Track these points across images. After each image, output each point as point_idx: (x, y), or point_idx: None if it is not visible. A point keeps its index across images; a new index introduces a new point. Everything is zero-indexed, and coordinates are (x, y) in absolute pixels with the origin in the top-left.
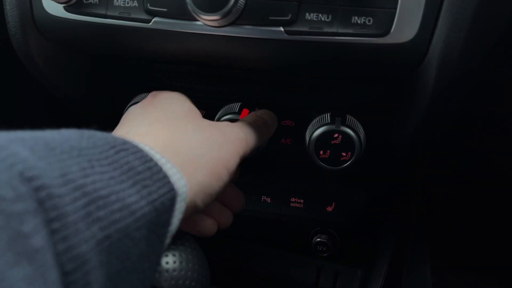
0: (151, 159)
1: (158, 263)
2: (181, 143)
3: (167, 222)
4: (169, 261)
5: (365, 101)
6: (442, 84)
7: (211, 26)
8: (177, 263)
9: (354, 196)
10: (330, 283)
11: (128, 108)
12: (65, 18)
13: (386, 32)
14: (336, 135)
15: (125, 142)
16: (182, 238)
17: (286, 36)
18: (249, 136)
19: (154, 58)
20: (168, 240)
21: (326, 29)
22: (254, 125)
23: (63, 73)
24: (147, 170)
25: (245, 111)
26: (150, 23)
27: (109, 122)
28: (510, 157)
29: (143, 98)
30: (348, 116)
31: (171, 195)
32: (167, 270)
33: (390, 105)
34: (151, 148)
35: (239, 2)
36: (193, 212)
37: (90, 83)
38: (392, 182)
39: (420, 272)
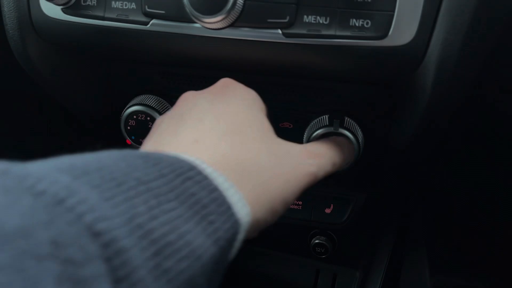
0: (216, 188)
1: None
2: (251, 167)
3: (228, 257)
4: None
5: (363, 103)
6: (440, 86)
7: (209, 28)
8: None
9: (353, 198)
10: (329, 285)
11: (126, 109)
12: (63, 20)
13: (384, 34)
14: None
15: (191, 168)
16: None
17: (284, 39)
18: (320, 171)
19: (152, 60)
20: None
21: (324, 32)
22: (330, 155)
23: (61, 75)
24: (212, 203)
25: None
26: (148, 25)
27: (107, 123)
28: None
29: (142, 100)
30: (346, 118)
31: (235, 229)
32: None
33: (388, 107)
34: (215, 169)
35: (237, 4)
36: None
37: (88, 84)
38: (390, 184)
39: (419, 273)
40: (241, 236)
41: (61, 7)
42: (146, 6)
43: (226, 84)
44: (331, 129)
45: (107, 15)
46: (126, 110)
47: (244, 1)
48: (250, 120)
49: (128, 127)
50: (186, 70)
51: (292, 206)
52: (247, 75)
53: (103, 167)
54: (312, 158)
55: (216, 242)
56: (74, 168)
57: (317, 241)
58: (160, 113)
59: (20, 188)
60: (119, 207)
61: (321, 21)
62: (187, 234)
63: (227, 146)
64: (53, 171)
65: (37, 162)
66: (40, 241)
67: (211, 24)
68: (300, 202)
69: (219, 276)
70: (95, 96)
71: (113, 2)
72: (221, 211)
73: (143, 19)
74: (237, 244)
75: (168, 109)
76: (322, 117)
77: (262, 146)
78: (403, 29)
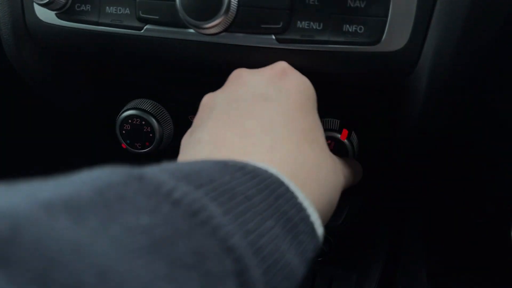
0: (302, 208)
1: None
2: (322, 181)
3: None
4: None
5: (357, 108)
6: (434, 92)
7: (203, 33)
8: None
9: (349, 201)
10: (325, 287)
11: (121, 114)
12: (57, 25)
13: (378, 40)
14: (328, 141)
15: (281, 184)
16: None
17: (277, 44)
18: (347, 181)
19: (147, 65)
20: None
21: (318, 37)
22: (352, 169)
23: (55, 80)
24: (301, 222)
25: (345, 131)
26: (142, 31)
27: (103, 128)
28: (506, 160)
29: (137, 104)
30: (340, 122)
31: (316, 248)
32: None
33: (382, 111)
34: (296, 185)
35: (231, 10)
36: None
37: (83, 89)
38: (387, 186)
39: (416, 276)
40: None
41: (56, 12)
42: (140, 12)
43: (285, 71)
44: (336, 135)
45: (101, 20)
46: (121, 114)
47: (237, 7)
48: (317, 123)
49: (123, 131)
50: (181, 74)
51: None
52: None
53: (214, 179)
54: (342, 169)
55: (305, 261)
56: (191, 179)
57: None
58: (156, 118)
59: (158, 195)
60: (239, 223)
61: (314, 27)
62: (286, 253)
63: (303, 156)
64: (172, 179)
65: (149, 168)
66: (184, 251)
67: (205, 30)
68: None
69: None
70: (90, 100)
71: (107, 8)
72: (308, 230)
73: (137, 24)
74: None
75: (164, 113)
76: (332, 120)
77: (327, 158)
78: (396, 35)
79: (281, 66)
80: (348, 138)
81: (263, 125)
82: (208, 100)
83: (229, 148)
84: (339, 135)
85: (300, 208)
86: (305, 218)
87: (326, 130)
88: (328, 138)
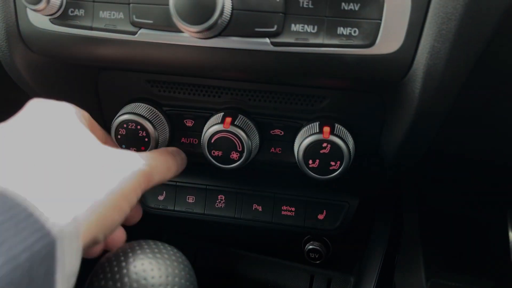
0: (15, 205)
1: None
2: (70, 176)
3: (51, 269)
4: (155, 275)
5: (353, 110)
6: (428, 94)
7: (197, 38)
8: (163, 277)
9: (345, 204)
10: None
11: (117, 118)
12: (50, 30)
13: (372, 43)
14: (324, 144)
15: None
16: (168, 251)
17: (272, 48)
18: (154, 170)
19: (141, 68)
20: (64, 285)
21: (312, 40)
22: (163, 160)
23: (49, 85)
24: (8, 220)
25: (228, 119)
26: (136, 35)
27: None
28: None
29: (132, 108)
30: (336, 125)
31: (46, 242)
32: (152, 285)
33: (378, 114)
34: (25, 186)
35: (225, 14)
36: (94, 244)
37: (77, 93)
38: (383, 188)
39: (414, 276)
40: (71, 245)
41: (49, 17)
42: (134, 16)
43: (34, 108)
44: (321, 136)
45: (94, 25)
46: (116, 118)
47: (231, 11)
48: (63, 132)
49: (119, 136)
50: (175, 78)
51: (284, 213)
52: (237, 82)
53: None
54: (145, 159)
55: (11, 260)
56: None
57: (311, 246)
58: (151, 122)
59: None
60: None
61: (308, 30)
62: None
63: (38, 162)
64: None
65: None
66: None
67: (199, 34)
68: (293, 209)
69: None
70: (85, 105)
71: (100, 12)
72: (23, 227)
73: (131, 29)
74: (70, 253)
75: (159, 117)
76: (312, 124)
77: (80, 154)
78: (390, 37)
79: (31, 103)
80: (333, 133)
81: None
82: None
83: None
84: (322, 136)
85: (9, 207)
86: (17, 215)
87: (310, 135)
88: (317, 142)
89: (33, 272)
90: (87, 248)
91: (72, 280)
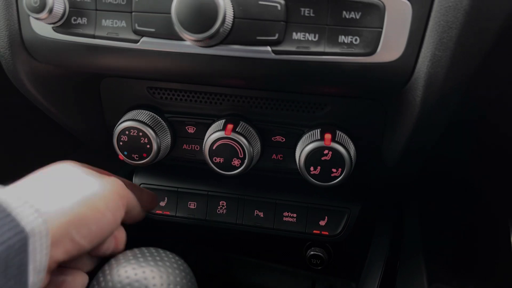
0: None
1: None
2: (50, 187)
3: (24, 260)
4: (156, 283)
5: (355, 118)
6: (429, 102)
7: (199, 46)
8: (165, 285)
9: (347, 210)
10: None
11: (119, 125)
12: (53, 38)
13: (373, 51)
14: (326, 151)
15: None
16: (170, 259)
17: (273, 56)
18: (130, 195)
19: (143, 76)
20: (35, 277)
21: (313, 49)
22: (132, 193)
23: (51, 92)
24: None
25: (229, 126)
26: (138, 43)
27: (101, 139)
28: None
29: (134, 115)
30: (338, 132)
31: (20, 237)
32: None
33: (379, 121)
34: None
35: (226, 22)
36: (72, 243)
37: (80, 101)
38: (384, 194)
39: (416, 281)
40: (42, 242)
41: (52, 25)
42: (136, 24)
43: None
44: (322, 143)
45: (97, 33)
46: (118, 125)
47: (233, 19)
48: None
49: (121, 143)
50: (177, 85)
51: (286, 219)
52: (239, 90)
53: None
54: (120, 184)
55: None
56: None
57: (312, 252)
58: (153, 129)
59: None
60: None
61: (310, 38)
62: None
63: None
64: None
65: None
66: None
67: (201, 42)
68: (295, 215)
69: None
70: (87, 112)
71: (103, 20)
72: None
73: (133, 37)
74: (41, 249)
75: (161, 124)
76: (313, 131)
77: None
78: (391, 46)
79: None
80: (334, 140)
81: None
82: None
83: None
84: (323, 143)
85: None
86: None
87: (312, 141)
88: (318, 149)
89: (9, 262)
90: (66, 245)
91: (42, 274)
